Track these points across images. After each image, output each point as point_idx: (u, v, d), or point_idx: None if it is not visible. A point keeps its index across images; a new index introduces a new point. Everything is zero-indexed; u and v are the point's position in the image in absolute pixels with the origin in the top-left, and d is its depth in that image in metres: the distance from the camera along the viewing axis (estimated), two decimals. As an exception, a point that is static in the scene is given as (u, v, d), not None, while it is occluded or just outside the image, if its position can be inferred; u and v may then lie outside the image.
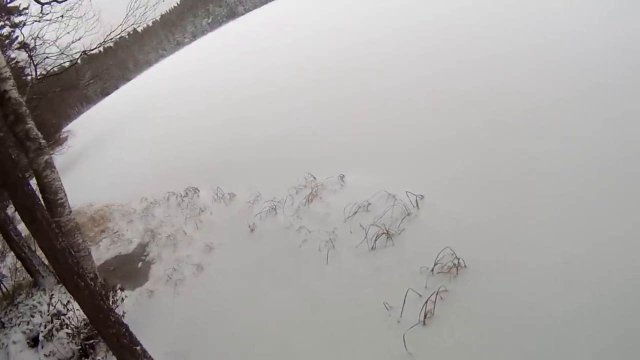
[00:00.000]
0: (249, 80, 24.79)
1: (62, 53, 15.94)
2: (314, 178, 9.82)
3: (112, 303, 9.16)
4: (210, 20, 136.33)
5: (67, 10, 14.53)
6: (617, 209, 5.64)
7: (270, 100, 18.40)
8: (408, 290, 5.88)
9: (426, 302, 5.60)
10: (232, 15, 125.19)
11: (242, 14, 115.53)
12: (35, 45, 15.82)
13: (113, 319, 6.31)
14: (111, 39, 16.45)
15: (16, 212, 6.13)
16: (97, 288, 6.73)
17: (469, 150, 8.34)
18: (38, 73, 16.41)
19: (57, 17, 14.47)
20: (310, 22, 35.11)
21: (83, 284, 5.98)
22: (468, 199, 7.14)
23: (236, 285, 8.42)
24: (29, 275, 11.69)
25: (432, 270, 6.11)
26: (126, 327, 6.48)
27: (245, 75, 26.92)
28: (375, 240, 7.15)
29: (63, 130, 59.79)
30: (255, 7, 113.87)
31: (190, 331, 7.99)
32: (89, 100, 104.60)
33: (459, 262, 5.95)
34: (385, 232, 7.12)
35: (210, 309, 8.24)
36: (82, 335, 8.59)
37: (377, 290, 6.40)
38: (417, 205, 7.46)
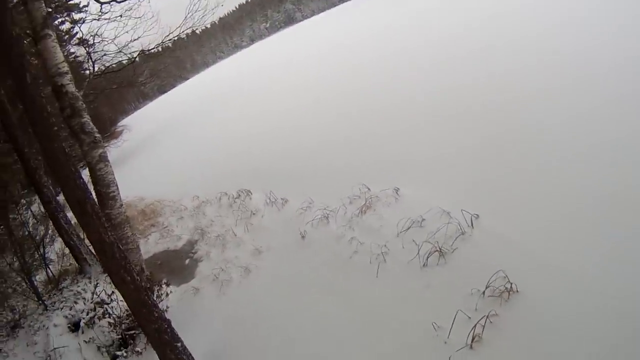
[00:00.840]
0: (303, 88, 24.86)
1: (120, 51, 16.20)
2: (368, 189, 9.69)
3: (157, 297, 9.29)
4: (268, 25, 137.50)
5: (126, 10, 14.65)
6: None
7: (325, 108, 18.33)
8: (457, 312, 5.78)
9: (475, 325, 5.49)
10: (290, 21, 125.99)
11: (300, 20, 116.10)
12: (94, 42, 16.08)
13: (156, 315, 6.38)
14: (169, 39, 16.64)
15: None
16: (143, 283, 6.81)
17: (529, 172, 8.06)
18: (96, 69, 16.70)
19: (116, 17, 14.64)
20: (368, 30, 34.96)
21: (129, 278, 6.09)
22: (526, 222, 6.93)
23: (283, 291, 8.39)
24: (75, 262, 11.98)
25: (484, 293, 5.97)
26: (168, 323, 6.54)
27: (299, 82, 27.01)
28: (428, 257, 7.03)
29: (119, 124, 61.26)
30: (313, 14, 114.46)
31: (232, 333, 8.00)
32: (145, 97, 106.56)
33: (511, 287, 5.80)
34: (438, 250, 7.02)
35: (254, 313, 8.23)
36: (123, 326, 8.78)
37: (426, 309, 6.29)
38: (472, 225, 7.32)
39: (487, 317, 5.53)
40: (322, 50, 36.41)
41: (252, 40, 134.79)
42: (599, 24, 12.42)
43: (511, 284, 5.81)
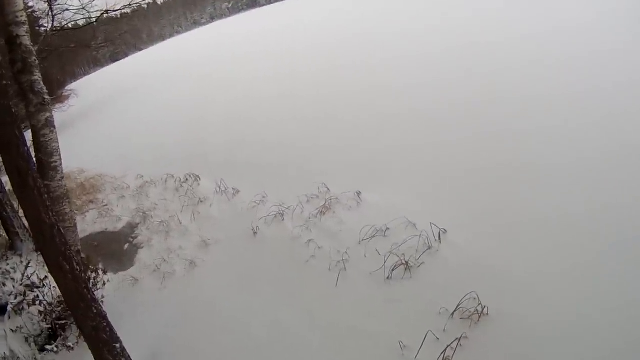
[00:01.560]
0: (266, 75, 24.05)
1: (84, 8, 15.48)
2: (328, 189, 9.34)
3: (92, 285, 8.60)
4: (230, 5, 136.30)
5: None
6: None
7: (288, 100, 17.67)
8: (428, 333, 5.48)
9: (446, 349, 5.17)
10: (253, 4, 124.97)
11: (264, 5, 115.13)
12: (58, -5, 15.39)
13: (95, 310, 5.80)
14: (136, 3, 16.07)
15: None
16: (83, 274, 6.15)
17: (504, 189, 7.77)
18: (54, 25, 15.99)
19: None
20: (337, 25, 34.57)
21: (68, 267, 5.49)
22: (497, 242, 6.65)
23: (232, 291, 7.85)
24: (6, 235, 11.21)
25: (453, 314, 5.66)
26: (107, 320, 5.94)
27: (262, 69, 26.18)
28: (393, 270, 6.67)
29: (67, 87, 59.09)
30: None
31: (175, 332, 7.41)
32: (97, 63, 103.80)
33: (483, 310, 5.52)
34: (404, 263, 6.66)
35: (200, 312, 7.68)
36: (54, 314, 8.11)
37: (391, 325, 5.95)
38: (440, 240, 6.99)
39: (459, 340, 5.24)
40: (287, 37, 35.83)
41: (212, 19, 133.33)
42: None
43: (483, 307, 5.53)
